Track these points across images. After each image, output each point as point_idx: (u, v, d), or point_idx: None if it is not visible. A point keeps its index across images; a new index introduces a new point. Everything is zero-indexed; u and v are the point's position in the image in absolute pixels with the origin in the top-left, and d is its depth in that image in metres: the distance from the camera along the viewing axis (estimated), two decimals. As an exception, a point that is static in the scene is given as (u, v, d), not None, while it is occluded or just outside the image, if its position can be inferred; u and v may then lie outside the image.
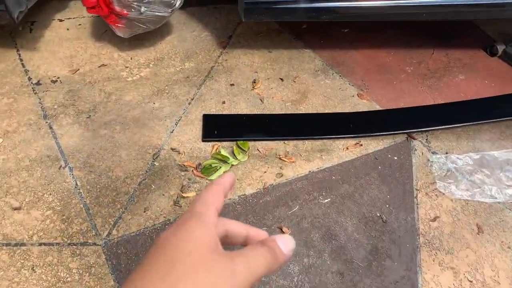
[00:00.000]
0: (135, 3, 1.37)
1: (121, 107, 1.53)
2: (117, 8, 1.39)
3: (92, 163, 1.38)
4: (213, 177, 1.36)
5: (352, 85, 1.65)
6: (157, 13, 1.44)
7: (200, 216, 0.34)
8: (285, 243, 0.35)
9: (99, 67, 1.66)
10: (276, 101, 1.59)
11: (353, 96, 1.62)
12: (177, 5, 1.45)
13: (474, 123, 1.47)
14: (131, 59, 1.70)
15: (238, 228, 0.37)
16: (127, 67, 1.67)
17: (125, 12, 1.39)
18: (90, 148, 1.42)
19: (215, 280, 0.31)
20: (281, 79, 1.66)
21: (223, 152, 1.39)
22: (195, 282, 0.31)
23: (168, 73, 1.66)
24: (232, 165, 1.40)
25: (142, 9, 1.37)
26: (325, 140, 1.48)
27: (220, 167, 1.38)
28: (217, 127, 1.49)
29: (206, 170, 1.37)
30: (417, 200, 1.35)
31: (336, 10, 1.39)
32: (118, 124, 1.48)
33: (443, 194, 1.36)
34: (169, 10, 1.45)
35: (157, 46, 1.76)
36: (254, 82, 1.64)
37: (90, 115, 1.50)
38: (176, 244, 0.32)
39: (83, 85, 1.60)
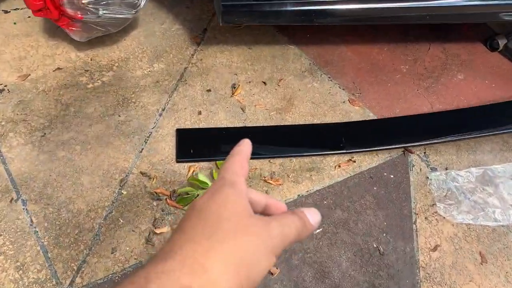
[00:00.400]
0: (91, 6, 1.14)
1: (82, 122, 1.33)
2: (69, 11, 1.16)
3: (49, 194, 1.19)
4: (190, 207, 1.20)
5: (343, 89, 1.49)
6: (118, 16, 1.22)
7: (233, 184, 0.36)
8: (313, 215, 0.37)
9: (54, 71, 1.44)
10: (259, 110, 1.41)
11: (344, 102, 1.45)
12: (141, 5, 1.23)
13: (477, 135, 1.34)
14: (91, 60, 1.48)
15: (259, 197, 0.39)
16: (87, 70, 1.45)
17: (79, 15, 1.17)
18: (46, 175, 1.22)
19: (254, 241, 0.34)
20: (264, 82, 1.48)
21: (201, 177, 1.22)
22: (237, 242, 0.33)
23: (135, 77, 1.45)
24: (212, 191, 1.23)
25: (100, 12, 1.15)
26: (315, 157, 1.32)
27: (198, 195, 1.21)
28: (193, 144, 1.31)
29: (182, 200, 1.20)
30: (416, 226, 1.23)
31: (332, 13, 1.19)
32: (78, 143, 1.29)
33: (444, 218, 1.24)
34: (133, 11, 1.23)
35: (121, 43, 1.54)
36: (234, 87, 1.45)
37: (45, 133, 1.30)
38: (215, 209, 0.34)
39: (36, 94, 1.38)
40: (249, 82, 1.47)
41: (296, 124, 1.39)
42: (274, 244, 0.34)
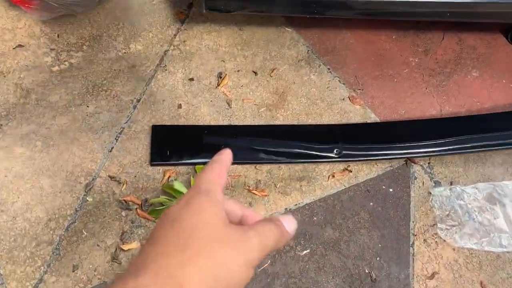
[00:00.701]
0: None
1: (44, 112, 1.17)
2: (21, -13, 0.96)
3: (4, 199, 1.05)
4: (164, 219, 1.07)
5: (343, 83, 1.32)
6: (82, -6, 1.02)
7: (208, 193, 0.34)
8: (289, 223, 0.36)
9: (14, 48, 1.25)
10: (248, 105, 1.25)
11: (343, 99, 1.29)
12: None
13: (491, 148, 1.20)
14: (58, 37, 1.29)
15: (235, 207, 0.37)
16: (52, 49, 1.26)
17: (34, -8, 0.97)
18: (1, 176, 1.08)
19: (232, 254, 0.32)
20: (255, 72, 1.30)
21: (177, 185, 1.08)
22: (213, 255, 0.31)
23: (108, 59, 1.27)
24: (189, 201, 1.10)
25: (59, -11, 0.95)
26: (306, 164, 1.18)
27: (173, 206, 1.08)
28: (170, 144, 1.16)
29: (155, 212, 1.07)
30: (413, 249, 1.11)
31: (337, 4, 1.00)
32: (39, 138, 1.13)
33: (444, 241, 1.13)
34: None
35: (94, 17, 1.34)
36: (220, 77, 1.28)
37: (1, 125, 1.14)
38: (189, 219, 0.32)
39: (-8, 76, 1.20)
40: (238, 71, 1.30)
41: (288, 124, 1.23)
42: (253, 256, 0.33)
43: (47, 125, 1.15)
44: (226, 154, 0.41)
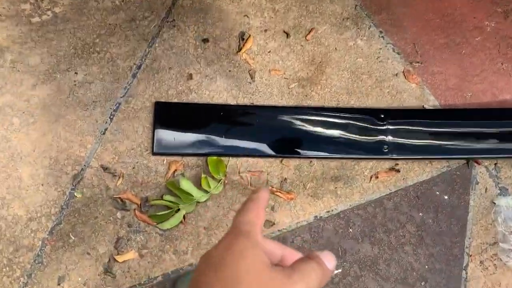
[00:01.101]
0: None
1: (22, 79, 0.93)
2: None
3: (-26, 191, 0.87)
4: (167, 225, 0.88)
5: (398, 53, 1.04)
6: None
7: (249, 235, 0.33)
8: (329, 260, 0.34)
9: (-18, -10, 0.98)
10: (275, 78, 0.99)
11: (396, 74, 1.02)
12: None
13: None
14: (38, -25, 1.01)
15: (275, 247, 0.35)
16: (31, -7, 0.99)
17: None
18: (-30, 161, 0.88)
19: None
20: (286, 33, 1.02)
21: (184, 183, 0.88)
22: None
23: (101, 10, 1.00)
24: (198, 202, 0.90)
25: None
26: (343, 160, 0.96)
27: (179, 210, 0.88)
28: (177, 128, 0.93)
29: (157, 217, 0.88)
30: (466, 273, 0.92)
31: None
32: (17, 114, 0.92)
33: (505, 264, 0.93)
34: None
35: (84, -51, 1.04)
36: (242, 38, 1.01)
37: (-32, 94, 0.92)
38: (233, 264, 0.31)
39: (-44, 28, 0.95)
40: (265, 30, 1.02)
41: (325, 106, 0.98)
42: None
43: (26, 97, 0.92)
44: (263, 193, 0.38)
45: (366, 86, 1.00)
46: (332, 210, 0.93)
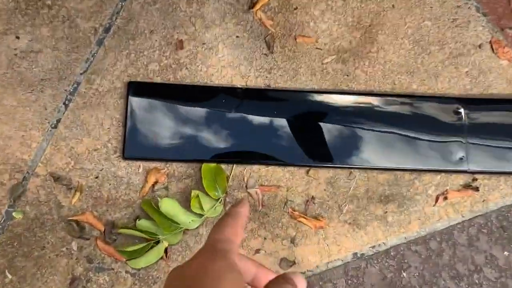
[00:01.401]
0: None
1: None
2: None
3: None
4: (142, 263, 0.62)
5: (484, 14, 0.71)
6: None
7: (225, 256, 0.30)
8: (300, 282, 0.31)
9: None
10: (303, 48, 0.68)
11: (480, 46, 0.70)
12: None
13: None
14: None
15: (249, 266, 0.33)
16: None
17: None
18: None
19: None
20: (321, -19, 0.70)
21: (167, 204, 0.61)
22: None
23: None
24: (187, 230, 0.63)
25: None
26: (397, 172, 0.66)
27: (158, 242, 0.62)
28: (159, 121, 0.65)
29: (127, 253, 0.61)
30: None
31: None
32: None
33: None
34: None
35: None
36: (256, -12, 0.69)
37: None
38: (209, 286, 0.28)
39: None
40: (291, -24, 0.70)
41: (373, 92, 0.68)
42: None
43: None
44: (242, 207, 0.35)
45: (435, 63, 0.69)
46: (380, 245, 0.65)
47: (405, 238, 0.65)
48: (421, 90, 0.68)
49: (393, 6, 0.70)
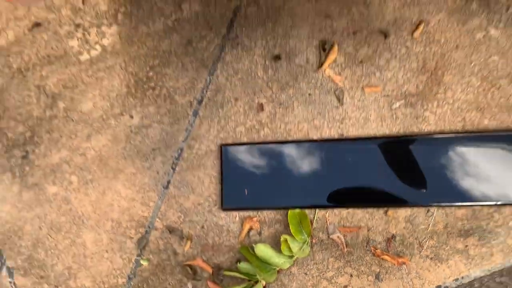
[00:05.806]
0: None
1: (76, 131, 0.83)
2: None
3: (42, 260, 0.80)
4: (245, 300, 0.72)
5: (555, 41, 0.71)
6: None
7: None
8: None
9: (30, 30, 0.88)
10: (371, 98, 0.74)
11: (553, 73, 0.70)
12: None
13: None
14: (83, 4, 0.87)
15: None
16: (78, 25, 0.86)
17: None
18: (36, 226, 0.82)
19: None
20: (384, 33, 0.76)
21: (261, 249, 0.71)
22: None
23: (153, 35, 0.84)
24: (280, 270, 0.73)
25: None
26: (477, 208, 0.69)
27: (257, 282, 0.72)
28: (249, 175, 0.75)
29: (231, 291, 0.72)
30: None
31: None
32: (74, 172, 0.82)
33: None
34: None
35: (128, -38, 0.88)
36: (324, 49, 0.77)
37: (27, 153, 0.84)
38: None
39: (10, 77, 0.87)
40: (354, 33, 0.77)
41: (445, 130, 0.72)
42: None
43: (82, 150, 0.82)
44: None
45: (506, 97, 0.71)
46: (463, 278, 0.68)
47: (489, 270, 0.67)
48: (493, 125, 0.70)
49: (456, 46, 0.73)
